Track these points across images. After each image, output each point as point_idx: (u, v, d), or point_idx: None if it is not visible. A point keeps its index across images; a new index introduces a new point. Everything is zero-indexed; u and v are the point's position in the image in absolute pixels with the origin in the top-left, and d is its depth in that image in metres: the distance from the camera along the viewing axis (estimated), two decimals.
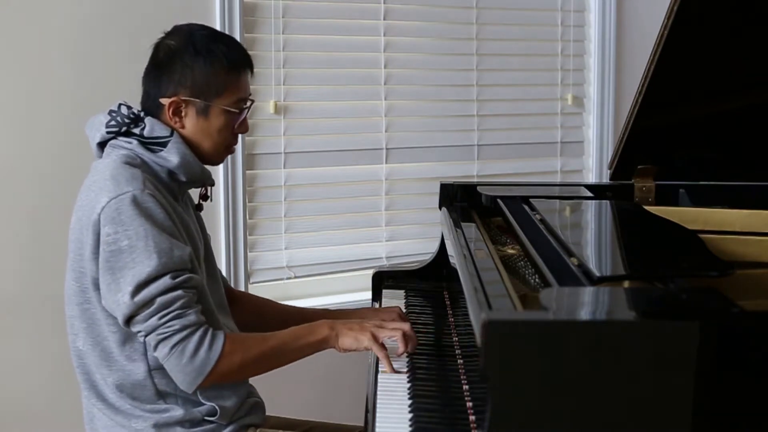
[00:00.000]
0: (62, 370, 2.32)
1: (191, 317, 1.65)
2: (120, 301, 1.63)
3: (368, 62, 2.97)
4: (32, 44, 2.48)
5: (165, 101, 1.76)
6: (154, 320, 1.63)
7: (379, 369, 1.76)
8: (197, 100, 1.76)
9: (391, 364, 1.74)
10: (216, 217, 2.70)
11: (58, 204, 2.51)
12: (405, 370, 1.75)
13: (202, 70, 1.75)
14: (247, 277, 2.80)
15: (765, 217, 1.96)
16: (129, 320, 1.65)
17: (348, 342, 1.76)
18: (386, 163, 3.01)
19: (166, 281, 1.63)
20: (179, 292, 1.64)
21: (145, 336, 1.65)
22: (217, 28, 2.63)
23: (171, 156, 1.73)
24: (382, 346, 1.76)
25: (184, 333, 1.64)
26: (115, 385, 1.72)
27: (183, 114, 1.76)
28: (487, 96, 3.15)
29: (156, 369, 1.71)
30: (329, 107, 2.93)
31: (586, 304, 1.30)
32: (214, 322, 1.74)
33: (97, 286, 1.68)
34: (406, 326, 1.80)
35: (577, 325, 1.21)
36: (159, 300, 1.63)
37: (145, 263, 1.62)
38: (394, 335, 1.77)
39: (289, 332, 1.77)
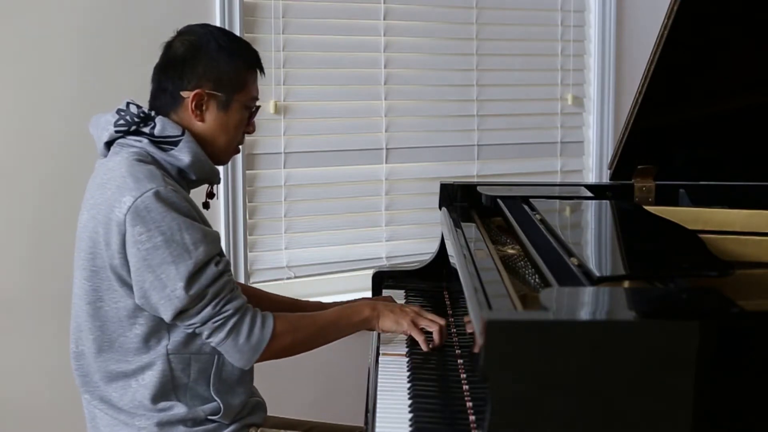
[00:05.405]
0: (63, 370, 2.32)
1: (240, 299, 1.70)
2: (172, 297, 1.64)
3: (368, 62, 2.96)
4: (33, 46, 2.48)
5: (187, 94, 1.76)
6: (208, 310, 1.66)
7: (379, 369, 1.76)
8: (219, 94, 1.77)
9: (428, 345, 1.80)
10: (216, 217, 2.71)
11: (59, 205, 2.51)
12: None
13: (226, 64, 1.77)
14: (247, 277, 2.80)
15: (765, 217, 1.96)
16: (179, 314, 1.66)
17: (388, 324, 1.82)
18: (386, 163, 3.01)
19: (212, 269, 1.67)
20: (225, 278, 1.69)
21: (199, 326, 1.67)
22: None
23: (183, 155, 1.73)
24: (421, 331, 1.81)
25: (238, 316, 1.68)
26: (120, 384, 1.72)
27: (204, 108, 1.77)
28: (487, 96, 3.15)
29: (174, 364, 1.71)
30: (329, 107, 2.93)
31: (586, 304, 1.30)
32: None
33: (123, 283, 1.67)
34: (442, 321, 1.84)
35: (577, 325, 1.21)
36: (211, 290, 1.66)
37: (185, 255, 1.64)
38: (431, 326, 1.82)
39: (333, 312, 1.84)
